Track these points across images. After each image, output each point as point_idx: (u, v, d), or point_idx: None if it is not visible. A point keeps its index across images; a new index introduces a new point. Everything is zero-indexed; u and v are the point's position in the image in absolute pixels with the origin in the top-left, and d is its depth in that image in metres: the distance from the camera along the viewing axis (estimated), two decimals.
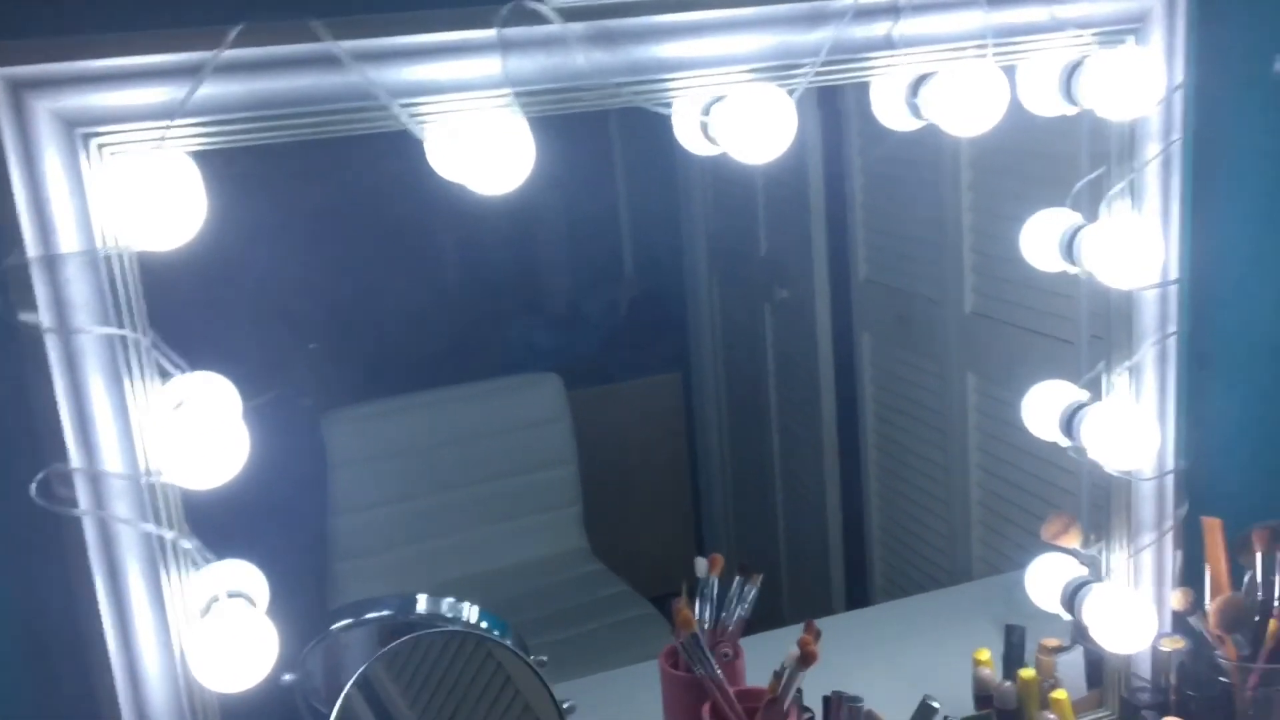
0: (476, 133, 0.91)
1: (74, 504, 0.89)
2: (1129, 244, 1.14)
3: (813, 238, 2.30)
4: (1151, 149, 1.16)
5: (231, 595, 0.96)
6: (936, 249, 1.94)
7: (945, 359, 1.96)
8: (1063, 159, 1.51)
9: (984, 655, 1.29)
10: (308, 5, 0.88)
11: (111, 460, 0.89)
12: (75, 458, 0.88)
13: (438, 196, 1.03)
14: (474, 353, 2.83)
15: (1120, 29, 1.12)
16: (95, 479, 0.89)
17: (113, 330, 0.87)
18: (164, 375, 0.93)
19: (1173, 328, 1.21)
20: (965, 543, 1.95)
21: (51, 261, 0.85)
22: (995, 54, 1.06)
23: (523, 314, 2.96)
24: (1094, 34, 1.10)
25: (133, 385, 0.89)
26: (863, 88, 1.10)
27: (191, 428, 0.89)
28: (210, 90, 0.86)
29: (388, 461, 2.46)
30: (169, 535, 0.92)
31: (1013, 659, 1.31)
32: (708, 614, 1.24)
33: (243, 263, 2.23)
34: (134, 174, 0.84)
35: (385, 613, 1.11)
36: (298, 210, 2.48)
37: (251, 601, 0.98)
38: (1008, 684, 1.27)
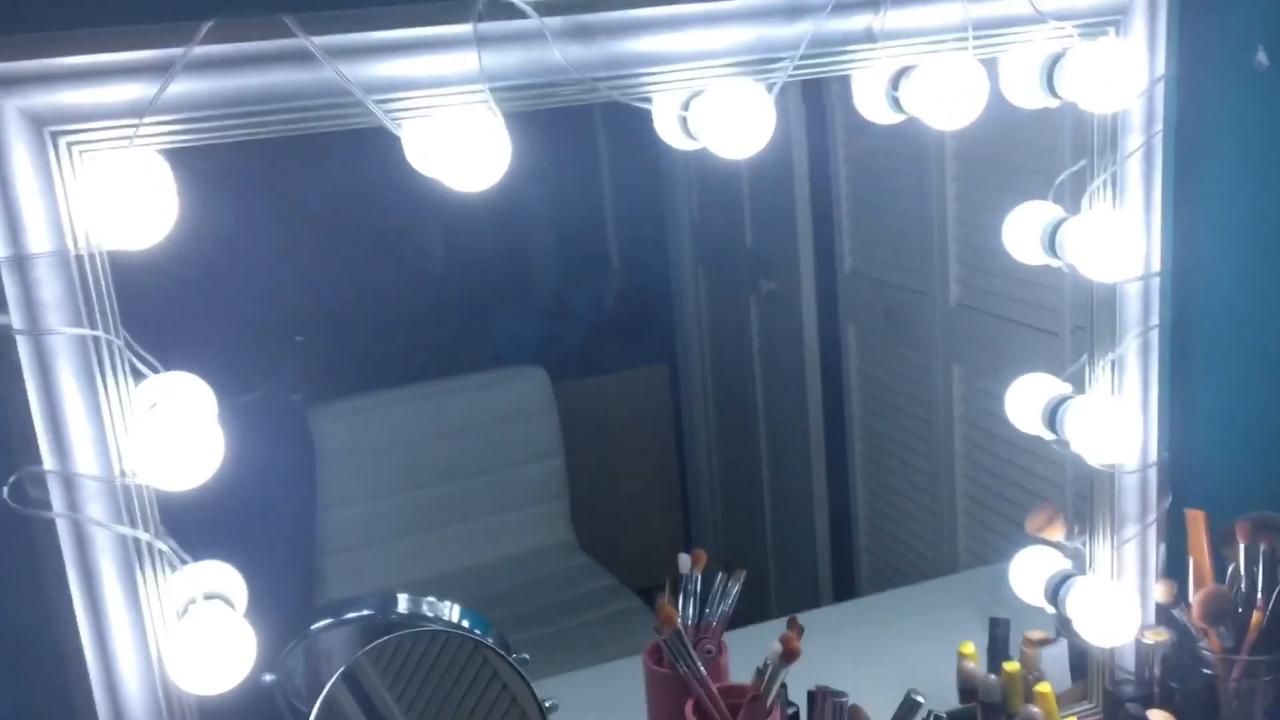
0: (453, 129, 0.90)
1: (47, 506, 0.88)
2: (1111, 237, 1.14)
3: (798, 230, 2.30)
4: (1133, 141, 1.15)
5: (209, 597, 0.95)
6: (921, 241, 1.93)
7: (930, 351, 1.96)
8: (1045, 151, 1.51)
9: (969, 648, 1.29)
10: (280, 0, 0.87)
11: (85, 462, 0.88)
12: (48, 459, 0.87)
13: (423, 190, 1.02)
14: (460, 346, 2.82)
15: (1101, 21, 1.11)
16: (69, 481, 0.88)
17: (85, 331, 0.86)
18: (138, 376, 0.92)
19: (1155, 320, 1.21)
20: (951, 535, 1.95)
21: (21, 261, 0.84)
22: (976, 47, 1.05)
23: (508, 307, 2.95)
24: (1075, 26, 1.09)
25: (106, 386, 0.88)
26: (847, 81, 1.09)
27: (166, 429, 0.88)
28: (181, 87, 0.84)
29: (375, 455, 2.45)
30: (144, 537, 0.91)
31: (997, 652, 1.31)
32: (691, 610, 1.24)
33: (229, 259, 2.22)
34: (104, 173, 0.83)
35: (366, 612, 1.11)
36: (284, 206, 2.47)
37: (229, 603, 0.97)
38: (992, 677, 1.26)
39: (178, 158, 0.87)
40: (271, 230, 2.44)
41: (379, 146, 0.97)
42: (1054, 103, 1.12)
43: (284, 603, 1.06)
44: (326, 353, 2.67)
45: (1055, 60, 1.09)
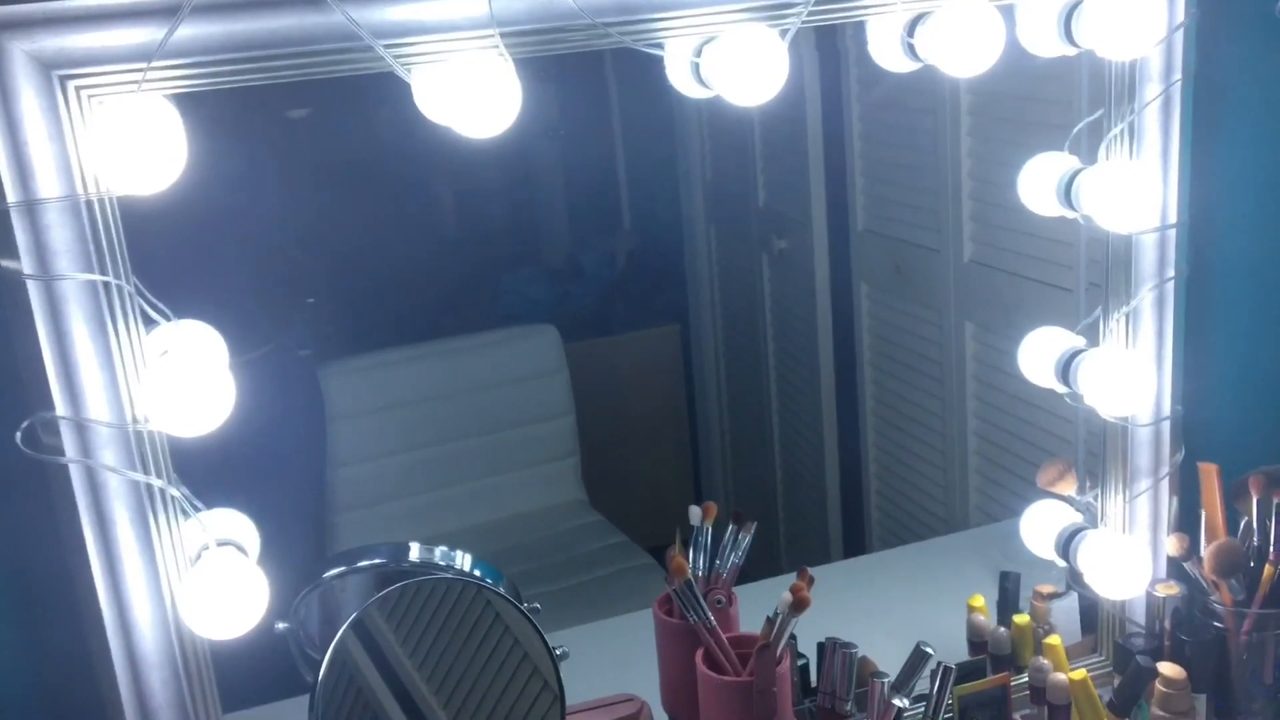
0: (463, 74, 0.89)
1: (60, 452, 0.88)
2: (1128, 187, 1.13)
3: (810, 188, 2.28)
4: (1151, 90, 1.14)
5: (221, 544, 0.96)
6: (935, 198, 1.92)
7: (943, 308, 1.94)
8: (1061, 104, 1.49)
9: (978, 601, 1.29)
10: None
11: (97, 408, 0.88)
12: (61, 405, 0.87)
13: (435, 149, 1.02)
14: (471, 305, 2.82)
15: None
16: (81, 427, 0.88)
17: (95, 276, 0.86)
18: (149, 323, 0.92)
19: (1171, 272, 1.20)
20: (963, 491, 1.95)
21: (31, 207, 0.84)
22: None
23: (520, 266, 2.95)
24: None
25: (117, 332, 0.88)
26: (861, 28, 1.08)
27: (177, 375, 0.88)
28: (189, 31, 0.84)
29: (386, 413, 2.46)
30: (157, 483, 0.91)
31: (1007, 605, 1.31)
32: (702, 562, 1.24)
33: (240, 213, 2.21)
34: (113, 117, 0.83)
35: (378, 560, 1.11)
36: (297, 162, 2.47)
37: (242, 550, 0.98)
38: (1002, 630, 1.27)
39: (189, 107, 0.87)
40: (282, 185, 2.44)
41: (391, 104, 0.96)
42: (1071, 51, 1.10)
43: (296, 555, 1.07)
44: (337, 310, 2.67)
45: (1073, 6, 1.08)
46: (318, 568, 1.13)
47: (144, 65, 0.83)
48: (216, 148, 0.89)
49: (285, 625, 1.07)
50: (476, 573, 1.11)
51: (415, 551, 1.12)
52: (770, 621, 1.09)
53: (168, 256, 0.95)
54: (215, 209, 0.91)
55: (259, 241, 2.44)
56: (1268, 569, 1.19)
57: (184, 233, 0.96)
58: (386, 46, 0.89)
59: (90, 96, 0.84)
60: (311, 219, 2.54)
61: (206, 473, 0.97)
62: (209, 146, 0.90)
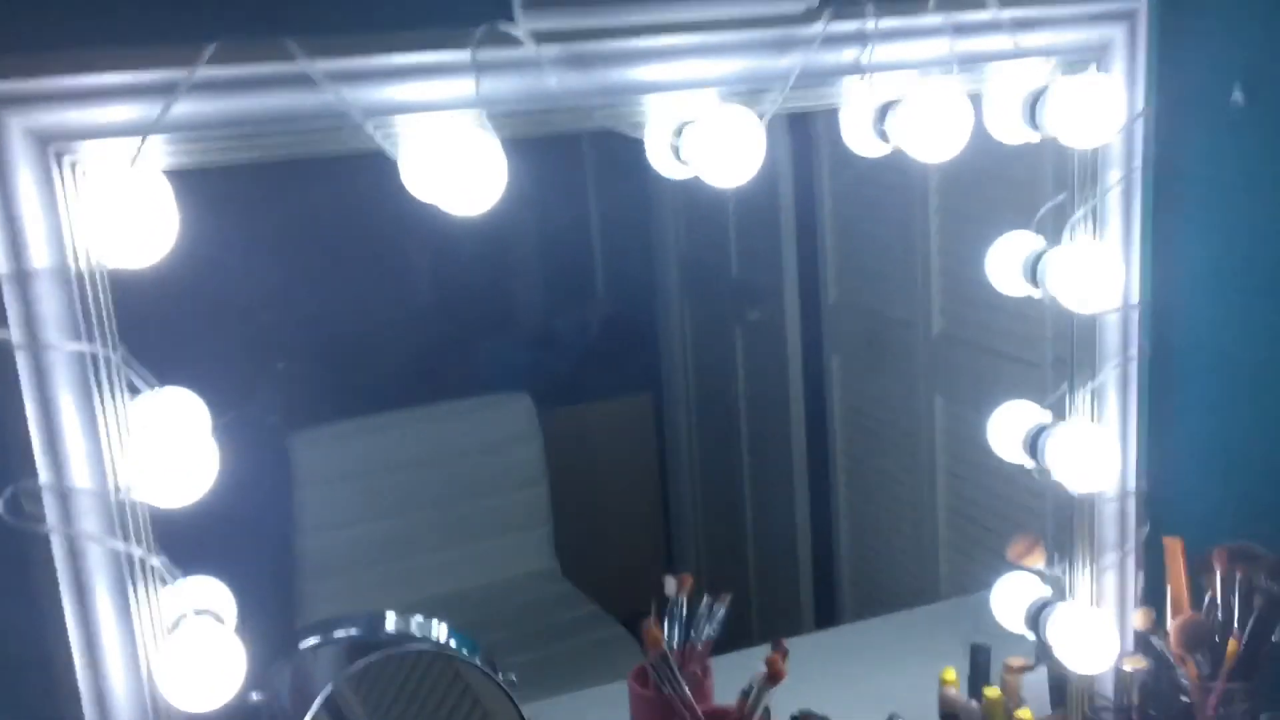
0: (450, 154, 0.91)
1: (42, 520, 0.88)
2: (1091, 268, 1.16)
3: (783, 259, 2.32)
4: (1113, 175, 1.18)
5: (199, 612, 0.96)
6: (905, 272, 1.96)
7: (914, 380, 1.98)
8: (1027, 183, 1.54)
9: (950, 675, 1.30)
10: (282, 24, 0.89)
11: (80, 476, 0.89)
12: (44, 473, 0.88)
13: (408, 214, 1.03)
14: (445, 372, 2.82)
15: (1082, 57, 1.14)
16: (64, 495, 0.88)
17: (84, 346, 0.87)
18: (133, 391, 0.92)
19: (1134, 350, 1.23)
20: (933, 562, 1.97)
21: (23, 277, 0.85)
22: (960, 81, 1.08)
23: (494, 333, 2.96)
24: (1057, 62, 1.12)
25: (102, 401, 0.89)
26: (833, 113, 1.11)
27: (161, 444, 0.89)
28: (184, 108, 0.86)
29: (356, 481, 2.45)
30: (138, 552, 0.91)
31: (978, 678, 1.32)
32: (676, 633, 1.25)
33: (211, 278, 2.21)
34: (107, 191, 0.84)
35: (353, 631, 1.11)
36: (267, 226, 2.47)
37: (219, 619, 0.98)
38: (973, 703, 1.28)
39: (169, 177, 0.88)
40: (254, 251, 2.43)
41: (364, 170, 0.98)
42: (1035, 137, 1.14)
43: (265, 625, 1.06)
44: (309, 377, 2.66)
45: (1037, 95, 1.12)
46: (290, 636, 1.13)
47: (140, 140, 0.85)
48: (192, 212, 0.89)
49: (260, 696, 1.06)
50: (453, 643, 1.11)
51: (391, 621, 1.12)
52: (745, 694, 1.10)
53: (136, 321, 0.95)
54: (186, 272, 0.92)
55: (229, 305, 2.44)
56: (1232, 644, 1.21)
57: (153, 296, 0.96)
58: (376, 125, 0.91)
59: (85, 170, 0.86)
60: (282, 283, 2.54)
61: (172, 539, 0.97)
62: (185, 211, 0.91)
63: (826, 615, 2.38)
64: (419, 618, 1.11)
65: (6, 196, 0.84)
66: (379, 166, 0.94)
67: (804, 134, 2.19)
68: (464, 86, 0.93)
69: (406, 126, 0.93)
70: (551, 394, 2.76)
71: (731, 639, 1.30)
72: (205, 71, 0.85)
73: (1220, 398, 1.34)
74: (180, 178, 0.88)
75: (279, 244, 2.54)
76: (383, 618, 1.11)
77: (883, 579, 2.17)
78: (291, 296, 2.57)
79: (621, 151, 1.02)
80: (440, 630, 1.12)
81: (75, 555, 0.90)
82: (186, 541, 0.99)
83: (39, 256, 0.85)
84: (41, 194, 0.84)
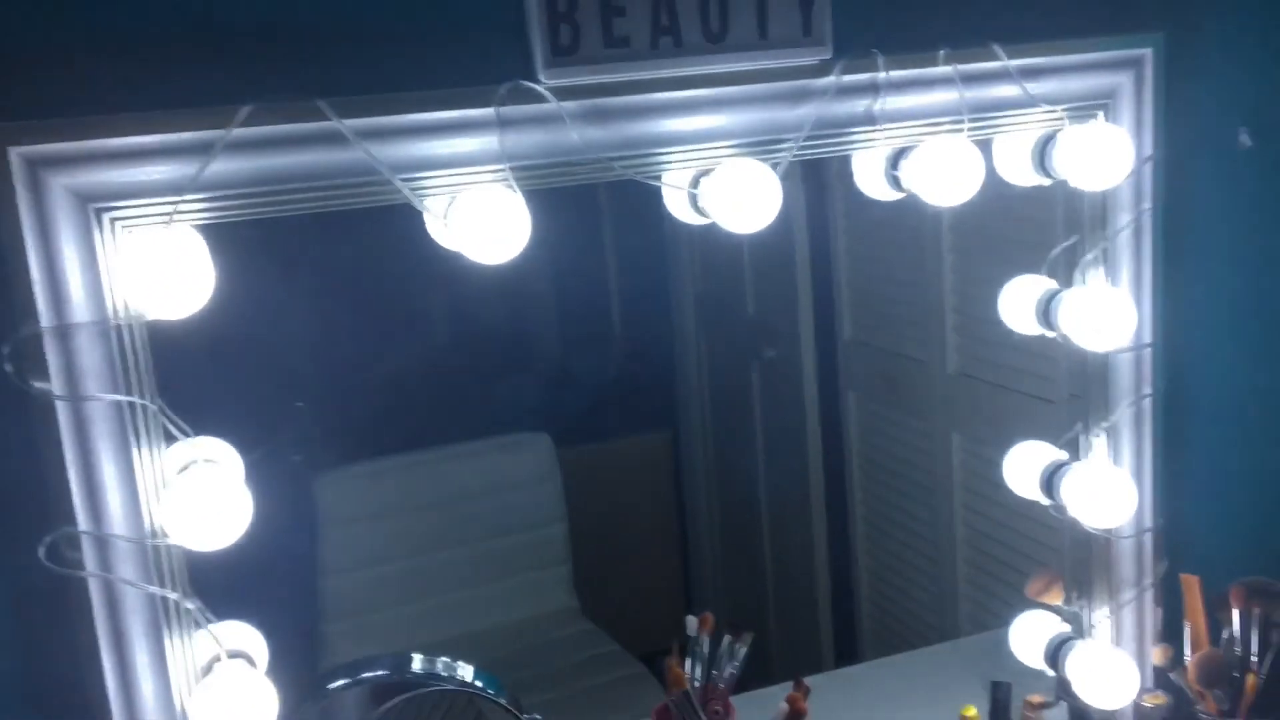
0: (476, 206, 0.94)
1: (81, 566, 0.91)
2: (1103, 309, 1.18)
3: (799, 299, 2.34)
4: (1123, 218, 1.20)
5: (232, 655, 0.98)
6: (920, 311, 1.98)
7: (930, 418, 1.99)
8: (1039, 225, 1.55)
9: (971, 712, 1.30)
10: (313, 85, 0.92)
11: (118, 523, 0.91)
12: (83, 520, 0.90)
13: (430, 258, 1.06)
14: (465, 412, 2.85)
15: (1091, 105, 1.16)
16: (102, 542, 0.91)
17: (122, 398, 0.90)
18: (169, 439, 0.95)
19: (1148, 389, 1.25)
20: (952, 600, 1.97)
21: (64, 331, 0.88)
22: (971, 129, 1.10)
23: (513, 374, 2.98)
24: (1065, 109, 1.14)
25: (140, 450, 0.91)
26: (846, 160, 1.14)
27: (197, 492, 0.91)
28: (220, 167, 0.89)
29: (379, 521, 2.47)
30: (173, 596, 0.94)
31: (999, 716, 1.32)
32: (698, 672, 1.26)
33: (237, 323, 2.24)
34: (146, 248, 0.87)
35: (381, 672, 1.13)
36: (291, 271, 2.51)
37: (251, 662, 1.00)
38: None
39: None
40: (279, 297, 2.47)
41: (386, 218, 1.01)
42: (1046, 181, 1.17)
43: (288, 666, 1.08)
44: (331, 418, 2.69)
45: (1047, 141, 1.14)
46: (315, 679, 1.14)
47: (177, 199, 0.88)
48: (217, 258, 0.92)
49: None
50: (478, 683, 1.13)
51: (418, 662, 1.13)
52: None
53: (160, 364, 0.97)
54: (210, 319, 0.94)
55: (253, 349, 2.47)
56: (1250, 679, 1.22)
57: (177, 340, 0.99)
58: (404, 180, 0.94)
59: (125, 227, 0.89)
60: (306, 327, 2.58)
61: (198, 580, 0.99)
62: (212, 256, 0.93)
63: (846, 653, 2.38)
64: (444, 659, 1.13)
65: (49, 254, 0.87)
66: (400, 214, 0.97)
67: (818, 176, 2.22)
68: (488, 142, 0.96)
69: (433, 181, 0.95)
70: (570, 433, 2.78)
71: (751, 676, 1.31)
72: (240, 131, 0.89)
73: (1235, 435, 1.35)
74: (209, 226, 0.91)
75: (305, 289, 2.58)
76: (409, 659, 1.13)
77: (902, 616, 2.17)
78: (316, 340, 2.60)
79: (638, 194, 1.05)
80: (466, 671, 1.13)
81: (112, 599, 0.92)
82: (212, 582, 1.01)
83: (79, 311, 0.88)
84: (81, 251, 0.88)
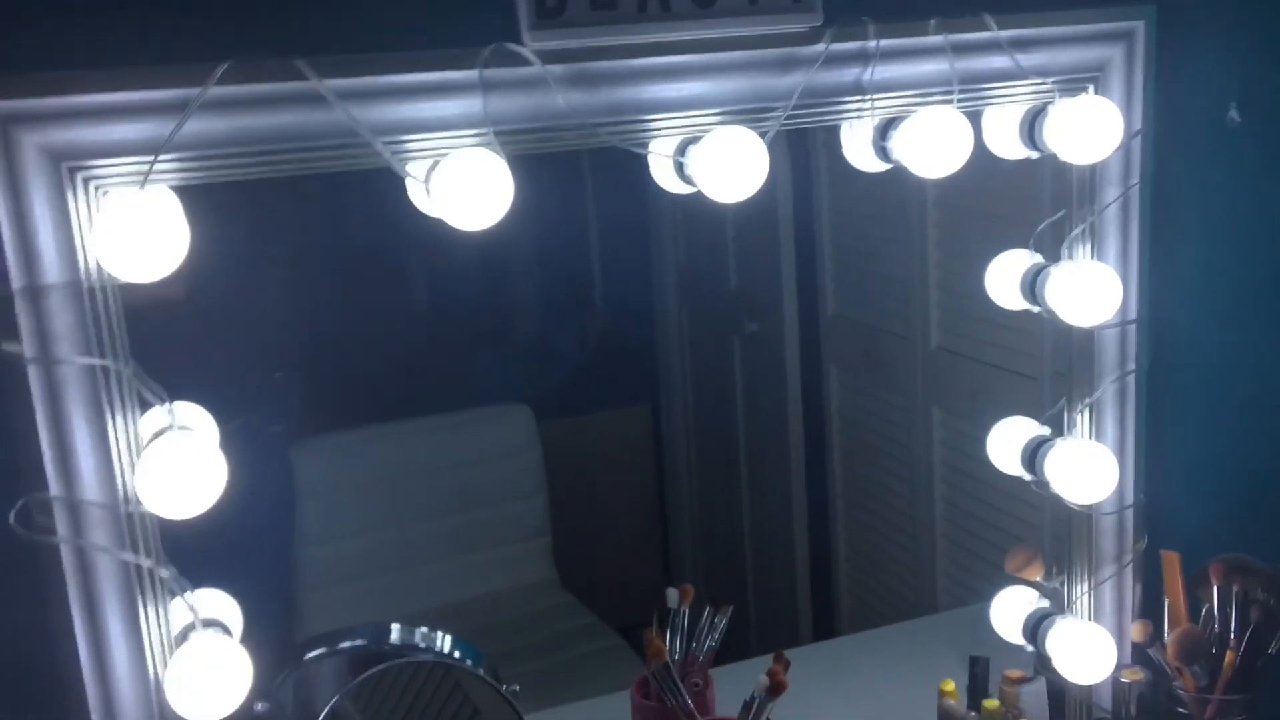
0: (457, 171, 0.93)
1: (52, 532, 0.89)
2: (1089, 284, 1.18)
3: (782, 272, 2.33)
4: (1111, 193, 1.20)
5: (207, 624, 0.97)
6: (903, 286, 1.97)
7: (912, 393, 1.99)
8: (1026, 200, 1.54)
9: (949, 686, 1.31)
10: (293, 44, 0.90)
11: (91, 489, 0.90)
12: (55, 486, 0.89)
13: (409, 227, 1.04)
14: (444, 384, 2.83)
15: (1080, 78, 1.15)
16: (74, 507, 0.89)
17: (95, 361, 0.88)
18: (144, 405, 0.93)
19: (1132, 365, 1.24)
20: (931, 575, 1.98)
21: (36, 293, 0.86)
22: (960, 100, 1.09)
23: (493, 345, 2.97)
24: (1055, 82, 1.13)
25: (113, 415, 0.90)
26: (832, 129, 1.13)
27: (171, 458, 0.89)
28: (196, 126, 0.87)
29: (357, 492, 2.46)
30: (147, 563, 0.92)
31: (977, 690, 1.33)
32: (678, 644, 1.25)
33: (214, 290, 2.23)
34: (120, 208, 0.85)
35: (359, 642, 1.12)
36: (269, 239, 2.48)
37: (227, 630, 0.99)
38: (972, 714, 1.29)
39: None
40: (257, 265, 2.45)
41: (364, 185, 0.99)
42: (1034, 154, 1.16)
43: (265, 635, 1.07)
44: (310, 388, 2.67)
45: (1036, 114, 1.13)
46: (292, 649, 1.14)
47: (151, 158, 0.86)
48: (194, 226, 0.90)
49: (265, 706, 1.07)
50: (457, 654, 1.12)
51: (396, 633, 1.12)
52: (748, 705, 1.10)
53: (140, 333, 0.96)
54: (186, 283, 0.93)
55: (231, 317, 2.45)
56: (1229, 656, 1.22)
57: (156, 309, 0.97)
58: (385, 143, 0.93)
59: (97, 187, 0.87)
60: (284, 295, 2.56)
61: (175, 549, 0.97)
62: (190, 224, 0.91)
63: (825, 627, 2.39)
64: (423, 628, 1.12)
65: (20, 213, 0.85)
66: (379, 181, 0.95)
67: (803, 147, 2.21)
68: (472, 105, 0.94)
69: (415, 144, 0.94)
70: (551, 405, 2.78)
71: (729, 649, 1.31)
72: (217, 90, 0.87)
73: (1218, 412, 1.35)
74: (185, 191, 0.90)
75: (282, 257, 2.55)
76: (387, 629, 1.12)
77: (881, 589, 2.18)
78: (294, 309, 2.58)
79: (620, 164, 1.04)
80: (444, 641, 1.13)
81: (85, 566, 0.91)
82: (189, 551, 1.00)
83: (51, 272, 0.86)
84: (54, 211, 0.86)
